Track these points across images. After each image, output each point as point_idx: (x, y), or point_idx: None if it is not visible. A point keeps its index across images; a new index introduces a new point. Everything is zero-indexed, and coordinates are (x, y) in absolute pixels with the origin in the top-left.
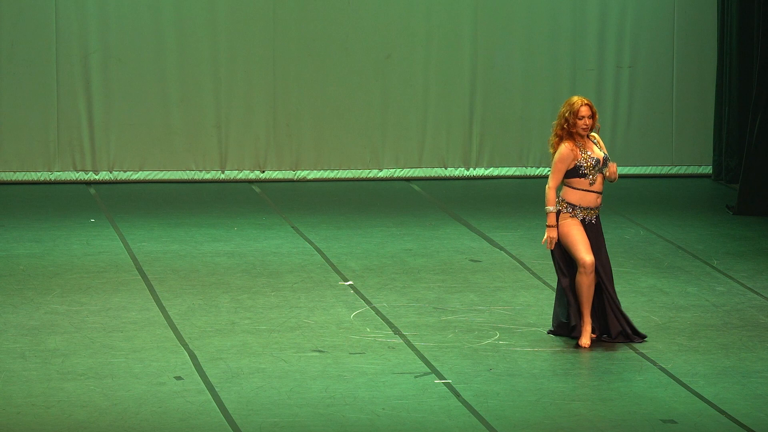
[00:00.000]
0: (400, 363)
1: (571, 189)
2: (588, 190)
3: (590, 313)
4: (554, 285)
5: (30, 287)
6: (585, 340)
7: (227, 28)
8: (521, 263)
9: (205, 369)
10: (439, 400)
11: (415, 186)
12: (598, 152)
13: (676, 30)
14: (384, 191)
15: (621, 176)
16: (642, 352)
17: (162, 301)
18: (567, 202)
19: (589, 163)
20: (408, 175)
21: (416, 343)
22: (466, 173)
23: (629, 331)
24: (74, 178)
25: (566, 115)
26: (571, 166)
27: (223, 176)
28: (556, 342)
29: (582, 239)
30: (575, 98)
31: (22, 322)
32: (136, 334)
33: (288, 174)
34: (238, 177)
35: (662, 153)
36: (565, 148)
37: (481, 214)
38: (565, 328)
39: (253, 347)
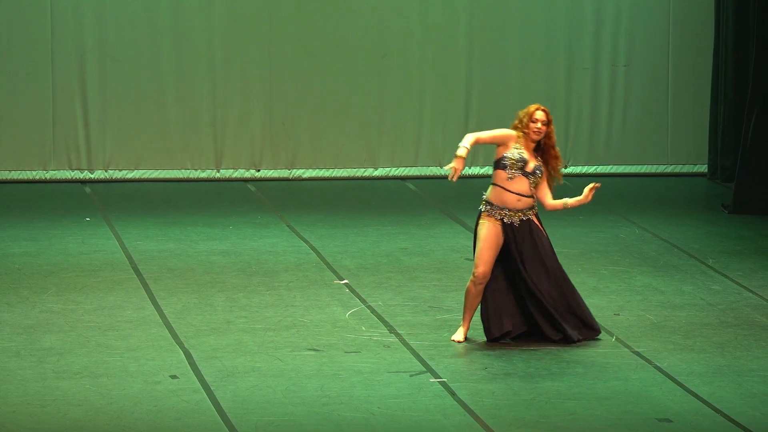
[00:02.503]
0: (395, 362)
1: (492, 186)
2: (506, 189)
3: (471, 318)
4: None
5: (25, 286)
6: (458, 336)
7: (223, 26)
8: None
9: (200, 368)
10: (434, 399)
11: (410, 185)
12: (536, 164)
13: (671, 29)
14: (379, 190)
15: (616, 175)
16: (637, 351)
17: (157, 300)
18: (486, 200)
19: (513, 158)
20: (403, 174)
21: (411, 342)
22: (462, 172)
23: (574, 333)
24: (70, 177)
25: (522, 116)
26: (499, 155)
27: (218, 175)
28: (552, 341)
29: (486, 247)
30: (534, 105)
31: (18, 321)
32: (131, 332)
33: (283, 173)
34: (234, 176)
35: (658, 152)
36: (513, 134)
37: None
38: (497, 323)
39: (248, 346)
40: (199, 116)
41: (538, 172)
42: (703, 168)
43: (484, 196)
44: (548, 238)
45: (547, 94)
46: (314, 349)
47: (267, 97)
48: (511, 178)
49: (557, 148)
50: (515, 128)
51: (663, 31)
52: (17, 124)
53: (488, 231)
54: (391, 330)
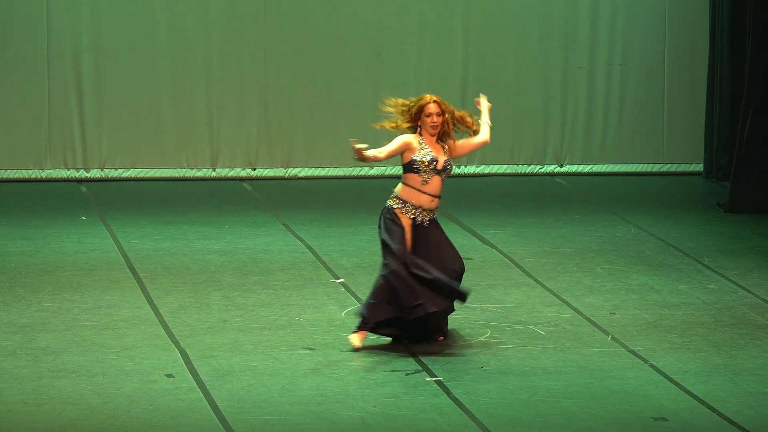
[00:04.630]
0: (391, 361)
1: (404, 186)
2: (421, 191)
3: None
4: (545, 282)
5: (21, 285)
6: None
7: (219, 25)
8: (512, 261)
9: (196, 367)
10: (430, 398)
11: None
12: (441, 155)
13: (667, 28)
14: (375, 189)
15: (612, 174)
16: (633, 350)
17: (153, 299)
18: (398, 197)
19: (424, 160)
20: (399, 173)
21: (407, 341)
22: (458, 171)
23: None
24: (65, 176)
25: (412, 106)
26: (407, 159)
27: (214, 174)
28: (548, 340)
29: (400, 234)
30: (427, 95)
31: (13, 320)
32: (127, 331)
33: (279, 172)
34: (230, 175)
35: (653, 151)
36: (410, 136)
37: (473, 212)
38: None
39: (244, 345)
40: (195, 115)
41: (448, 166)
42: (699, 167)
43: (394, 193)
44: (447, 238)
45: (543, 94)
46: (310, 348)
47: (263, 96)
48: (426, 181)
49: (466, 119)
50: (408, 120)
51: (659, 31)
52: (13, 123)
53: (402, 224)
54: None
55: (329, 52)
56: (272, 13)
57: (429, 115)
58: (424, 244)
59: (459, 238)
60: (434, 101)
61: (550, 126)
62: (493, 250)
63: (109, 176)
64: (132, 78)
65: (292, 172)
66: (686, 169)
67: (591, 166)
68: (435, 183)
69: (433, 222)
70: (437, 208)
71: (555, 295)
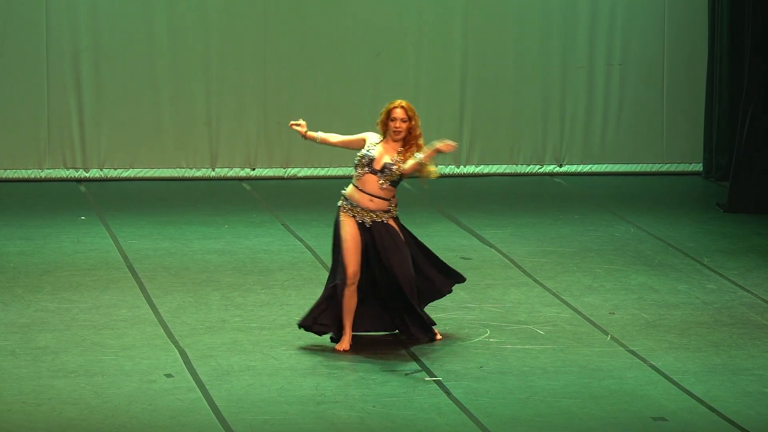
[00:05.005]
0: (390, 361)
1: (352, 186)
2: (358, 188)
3: (352, 323)
4: (545, 282)
5: (20, 285)
6: (343, 344)
7: (218, 25)
8: (512, 261)
9: (195, 366)
10: (429, 398)
11: (405, 184)
12: (390, 159)
13: (666, 27)
14: None
15: (611, 174)
16: (632, 350)
17: (152, 299)
18: (344, 195)
19: (360, 155)
20: None
21: (406, 341)
22: (457, 171)
23: (418, 330)
24: (65, 176)
25: (382, 114)
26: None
27: (213, 174)
28: (547, 340)
29: (351, 247)
30: (398, 101)
31: (13, 320)
32: (126, 331)
33: (278, 171)
34: (229, 174)
35: (653, 150)
36: (373, 135)
37: (472, 212)
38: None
39: (243, 345)
40: (194, 115)
41: (387, 170)
42: (698, 167)
43: (343, 191)
44: (406, 243)
45: (542, 94)
46: (309, 348)
47: (262, 96)
48: (359, 176)
49: (422, 143)
50: (382, 124)
51: (658, 30)
52: (12, 123)
53: (349, 230)
54: None
55: (328, 52)
56: (271, 13)
57: (393, 120)
58: (371, 247)
59: (458, 238)
60: (401, 107)
61: (549, 126)
62: (493, 249)
63: (109, 176)
64: (131, 78)
65: (291, 171)
66: (685, 169)
67: (590, 165)
68: (370, 181)
69: (381, 225)
70: (384, 213)
71: (554, 294)
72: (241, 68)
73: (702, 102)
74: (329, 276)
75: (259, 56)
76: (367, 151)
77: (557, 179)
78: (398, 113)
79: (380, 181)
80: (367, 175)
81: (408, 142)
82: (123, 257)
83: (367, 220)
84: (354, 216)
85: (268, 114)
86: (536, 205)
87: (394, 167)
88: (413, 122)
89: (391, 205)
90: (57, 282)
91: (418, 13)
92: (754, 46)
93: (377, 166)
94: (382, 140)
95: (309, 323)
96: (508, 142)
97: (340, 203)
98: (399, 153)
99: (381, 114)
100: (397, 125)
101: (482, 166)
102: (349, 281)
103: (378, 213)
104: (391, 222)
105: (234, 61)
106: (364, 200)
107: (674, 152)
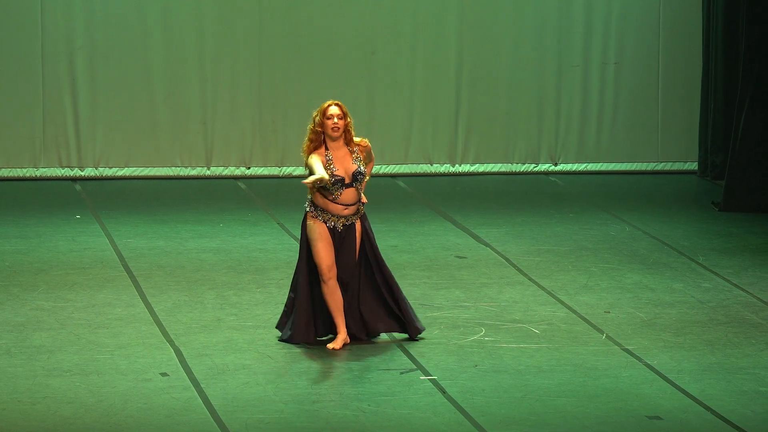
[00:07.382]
0: (385, 359)
1: (317, 193)
2: (333, 201)
3: (344, 320)
4: (540, 281)
5: (15, 283)
6: (337, 343)
7: (213, 24)
8: (507, 259)
9: (190, 365)
10: (424, 397)
11: (400, 182)
12: (349, 166)
13: (661, 26)
14: (369, 187)
15: (607, 173)
16: (627, 349)
17: (148, 298)
18: (313, 203)
19: (334, 184)
20: (393, 172)
21: (402, 340)
22: (452, 169)
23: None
24: (60, 175)
25: (315, 117)
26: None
27: (208, 173)
28: (542, 338)
29: (323, 246)
30: (329, 101)
31: (8, 319)
32: (121, 330)
33: (273, 170)
34: (224, 173)
35: (648, 149)
36: (319, 153)
37: (467, 211)
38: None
39: (238, 343)
40: (190, 114)
41: (359, 176)
42: (694, 165)
43: (309, 197)
44: (373, 243)
45: (537, 92)
46: (304, 347)
47: (257, 95)
48: (335, 198)
49: (358, 139)
50: (314, 133)
51: (653, 29)
52: (7, 121)
53: (319, 231)
54: None
55: (323, 51)
56: (266, 12)
57: (330, 117)
58: (340, 250)
59: (453, 237)
60: (336, 104)
61: (544, 124)
62: (488, 248)
63: (104, 175)
64: (126, 77)
65: (287, 170)
66: (680, 168)
67: (585, 164)
68: (347, 193)
69: (351, 227)
70: (353, 216)
71: (549, 293)
72: (236, 67)
73: (697, 101)
74: (290, 287)
75: (254, 55)
76: (333, 172)
77: (552, 178)
78: (334, 110)
79: (357, 187)
80: (344, 192)
81: (347, 140)
82: (118, 256)
83: (339, 224)
84: (325, 221)
85: (263, 113)
86: (531, 203)
87: (362, 169)
88: (348, 119)
89: (360, 205)
90: (52, 281)
91: (413, 12)
92: (748, 44)
93: (349, 180)
94: (324, 150)
95: (287, 336)
96: (503, 140)
97: (307, 209)
98: (352, 154)
99: (314, 117)
100: (335, 122)
101: (477, 164)
102: (325, 276)
103: (348, 216)
104: (358, 224)
105: (229, 60)
106: (339, 209)
107: (669, 151)
